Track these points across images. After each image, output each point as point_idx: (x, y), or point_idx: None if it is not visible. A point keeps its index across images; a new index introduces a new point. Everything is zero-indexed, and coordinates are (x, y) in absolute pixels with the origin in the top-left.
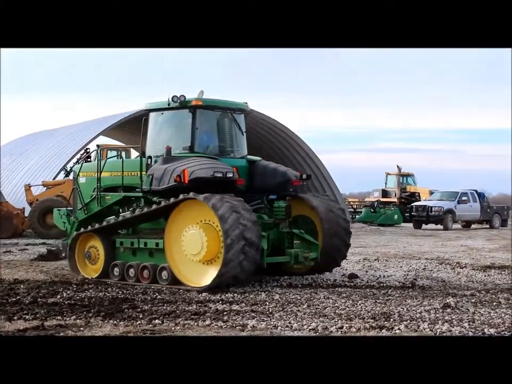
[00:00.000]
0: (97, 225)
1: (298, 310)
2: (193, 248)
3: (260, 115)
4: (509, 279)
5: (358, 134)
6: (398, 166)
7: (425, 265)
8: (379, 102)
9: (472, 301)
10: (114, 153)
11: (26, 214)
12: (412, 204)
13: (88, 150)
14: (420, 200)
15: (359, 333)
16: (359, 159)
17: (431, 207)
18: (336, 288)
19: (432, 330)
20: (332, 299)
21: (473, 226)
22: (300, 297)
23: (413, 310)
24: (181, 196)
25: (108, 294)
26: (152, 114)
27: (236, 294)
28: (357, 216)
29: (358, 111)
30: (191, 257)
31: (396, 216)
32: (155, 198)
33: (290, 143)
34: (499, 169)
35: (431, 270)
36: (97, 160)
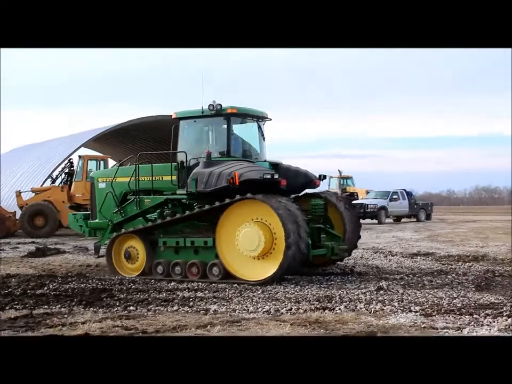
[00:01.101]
0: (141, 226)
1: (254, 295)
2: (250, 244)
3: None
4: (431, 264)
5: (303, 141)
6: (339, 170)
7: (362, 254)
8: (328, 112)
9: (401, 283)
10: (94, 162)
11: (17, 216)
12: (351, 202)
13: (71, 160)
14: (358, 199)
15: (306, 313)
16: (307, 163)
17: (367, 204)
18: (287, 276)
19: (367, 310)
20: (283, 285)
21: (403, 220)
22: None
23: (352, 293)
24: (238, 196)
25: (89, 285)
26: (182, 122)
27: (200, 283)
28: None
29: (308, 120)
30: (247, 253)
31: None
32: (184, 200)
33: None
34: (424, 171)
35: (367, 258)
36: (136, 166)
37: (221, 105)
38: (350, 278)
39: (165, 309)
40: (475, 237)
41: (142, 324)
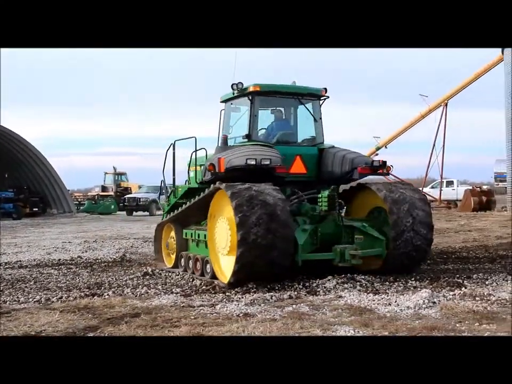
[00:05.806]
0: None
1: (26, 286)
2: (222, 241)
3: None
4: None
5: (85, 139)
6: (114, 167)
7: (133, 243)
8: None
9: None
10: None
11: None
12: (125, 196)
13: None
14: (131, 193)
15: (75, 301)
16: (85, 161)
17: (140, 198)
18: (61, 266)
19: (134, 293)
20: (55, 275)
21: None
22: (28, 276)
23: (120, 279)
24: (214, 186)
25: None
26: (225, 106)
27: None
28: (81, 207)
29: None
30: (221, 250)
31: (112, 206)
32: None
33: (25, 149)
34: None
35: (137, 247)
36: (173, 153)
37: (242, 84)
38: (120, 266)
39: None
40: None
41: None
